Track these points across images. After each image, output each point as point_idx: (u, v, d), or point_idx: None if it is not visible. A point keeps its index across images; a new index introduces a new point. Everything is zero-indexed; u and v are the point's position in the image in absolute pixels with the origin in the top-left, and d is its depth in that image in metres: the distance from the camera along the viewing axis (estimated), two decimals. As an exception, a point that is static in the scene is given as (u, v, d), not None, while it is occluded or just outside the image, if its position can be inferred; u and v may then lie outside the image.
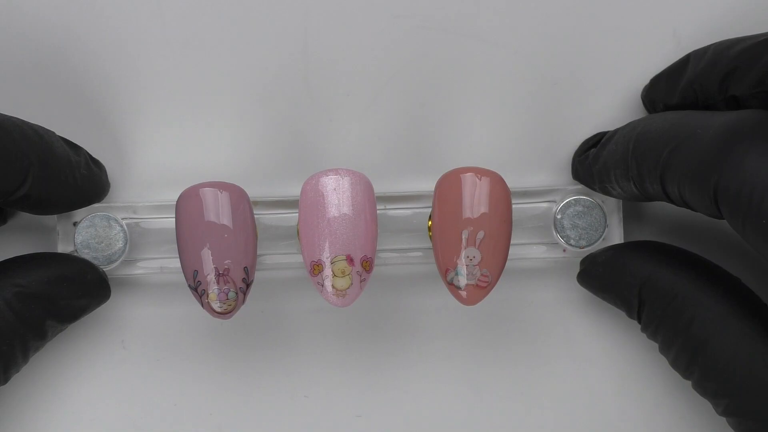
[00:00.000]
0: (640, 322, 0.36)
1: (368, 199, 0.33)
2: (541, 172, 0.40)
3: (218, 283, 0.33)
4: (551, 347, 0.40)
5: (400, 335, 0.40)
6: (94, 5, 0.40)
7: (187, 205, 0.33)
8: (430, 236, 0.36)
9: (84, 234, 0.38)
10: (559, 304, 0.40)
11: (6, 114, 0.34)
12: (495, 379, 0.40)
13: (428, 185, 0.39)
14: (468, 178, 0.33)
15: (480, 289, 0.33)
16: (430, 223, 0.36)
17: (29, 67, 0.39)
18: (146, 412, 0.40)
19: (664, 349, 0.35)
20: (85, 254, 0.37)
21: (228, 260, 0.33)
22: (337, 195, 0.33)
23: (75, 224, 0.38)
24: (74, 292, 0.36)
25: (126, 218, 0.38)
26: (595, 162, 0.37)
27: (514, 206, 0.35)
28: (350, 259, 0.33)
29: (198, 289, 0.33)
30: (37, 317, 0.34)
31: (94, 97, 0.40)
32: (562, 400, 0.40)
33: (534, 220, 0.39)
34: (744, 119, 0.30)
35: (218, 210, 0.33)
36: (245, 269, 0.33)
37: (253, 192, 0.39)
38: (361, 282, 0.33)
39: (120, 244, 0.38)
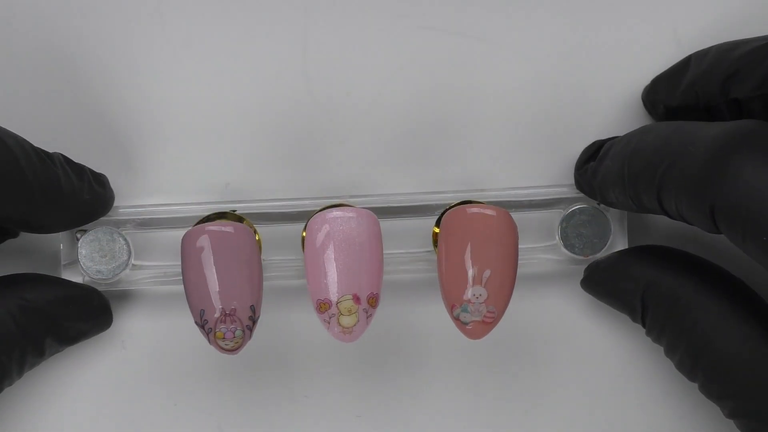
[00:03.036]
0: (644, 327, 0.36)
1: (374, 236, 0.33)
2: (541, 172, 0.40)
3: (225, 322, 0.33)
4: (553, 353, 0.41)
5: (401, 336, 0.40)
6: (94, 11, 0.39)
7: (192, 246, 0.33)
8: (434, 242, 0.36)
9: (87, 247, 0.37)
10: (562, 312, 0.40)
11: (12, 132, 0.33)
12: (496, 381, 0.41)
13: (429, 185, 0.39)
14: (475, 215, 0.33)
15: (486, 325, 0.33)
16: (435, 229, 0.36)
17: (28, 74, 0.39)
18: (146, 412, 0.40)
19: (669, 353, 0.35)
20: (89, 267, 0.37)
21: (235, 301, 0.33)
22: (343, 234, 0.33)
23: (78, 238, 0.37)
24: (78, 315, 0.36)
25: (127, 232, 0.38)
26: (594, 177, 0.37)
27: (519, 214, 0.35)
28: (357, 298, 0.33)
29: (205, 327, 0.33)
30: (38, 333, 0.35)
31: (93, 106, 0.39)
32: (563, 407, 0.41)
33: (538, 228, 0.39)
34: (734, 132, 0.30)
35: (223, 251, 0.33)
36: (251, 307, 0.33)
37: (253, 192, 0.39)
38: (367, 318, 0.33)
39: (124, 257, 0.38)
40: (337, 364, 0.40)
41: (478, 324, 0.33)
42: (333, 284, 0.33)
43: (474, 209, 0.33)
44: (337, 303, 0.33)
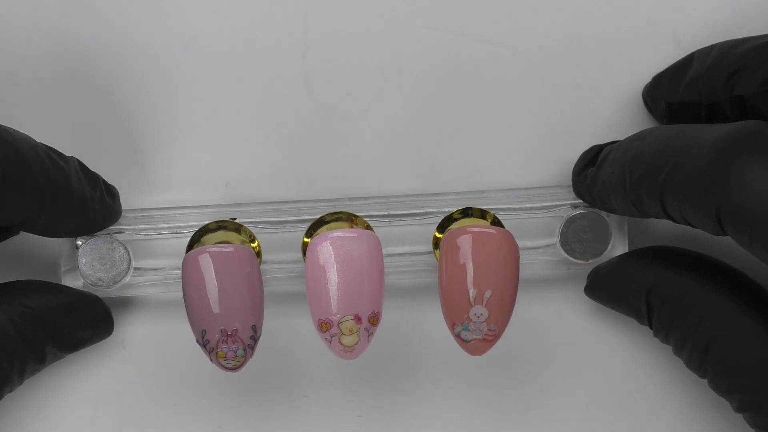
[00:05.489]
0: (651, 328, 0.36)
1: (376, 257, 0.33)
2: (542, 171, 0.40)
3: (227, 342, 0.33)
4: (556, 357, 0.41)
5: (401, 336, 0.41)
6: (95, 13, 0.39)
7: (193, 267, 0.33)
8: (434, 244, 0.36)
9: (87, 256, 0.37)
10: (563, 316, 0.40)
11: (27, 136, 0.33)
12: (497, 382, 0.41)
13: (428, 186, 0.39)
14: (476, 235, 0.33)
15: (486, 343, 0.34)
16: (437, 233, 0.36)
17: (33, 78, 0.39)
18: (146, 413, 0.40)
19: (678, 351, 0.35)
20: (89, 276, 0.37)
21: (236, 322, 0.33)
22: (345, 255, 0.33)
23: (77, 246, 0.37)
24: (79, 322, 0.36)
25: (129, 230, 0.38)
26: (594, 184, 0.36)
27: (518, 218, 0.35)
28: (358, 318, 0.33)
29: (206, 347, 0.33)
30: (40, 340, 0.35)
31: (92, 107, 0.39)
32: (567, 412, 0.41)
33: (539, 233, 0.39)
34: (736, 134, 0.30)
35: (224, 273, 0.33)
36: (253, 327, 0.33)
37: (253, 192, 0.39)
38: (368, 336, 0.33)
39: (124, 266, 0.38)
40: (336, 364, 0.40)
41: (479, 342, 0.33)
42: (334, 305, 0.33)
43: (475, 229, 0.33)
44: (338, 323, 0.33)
